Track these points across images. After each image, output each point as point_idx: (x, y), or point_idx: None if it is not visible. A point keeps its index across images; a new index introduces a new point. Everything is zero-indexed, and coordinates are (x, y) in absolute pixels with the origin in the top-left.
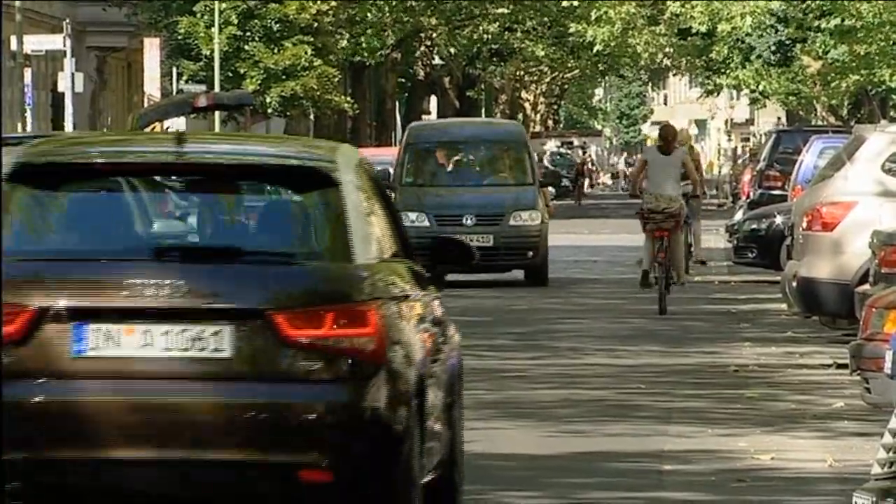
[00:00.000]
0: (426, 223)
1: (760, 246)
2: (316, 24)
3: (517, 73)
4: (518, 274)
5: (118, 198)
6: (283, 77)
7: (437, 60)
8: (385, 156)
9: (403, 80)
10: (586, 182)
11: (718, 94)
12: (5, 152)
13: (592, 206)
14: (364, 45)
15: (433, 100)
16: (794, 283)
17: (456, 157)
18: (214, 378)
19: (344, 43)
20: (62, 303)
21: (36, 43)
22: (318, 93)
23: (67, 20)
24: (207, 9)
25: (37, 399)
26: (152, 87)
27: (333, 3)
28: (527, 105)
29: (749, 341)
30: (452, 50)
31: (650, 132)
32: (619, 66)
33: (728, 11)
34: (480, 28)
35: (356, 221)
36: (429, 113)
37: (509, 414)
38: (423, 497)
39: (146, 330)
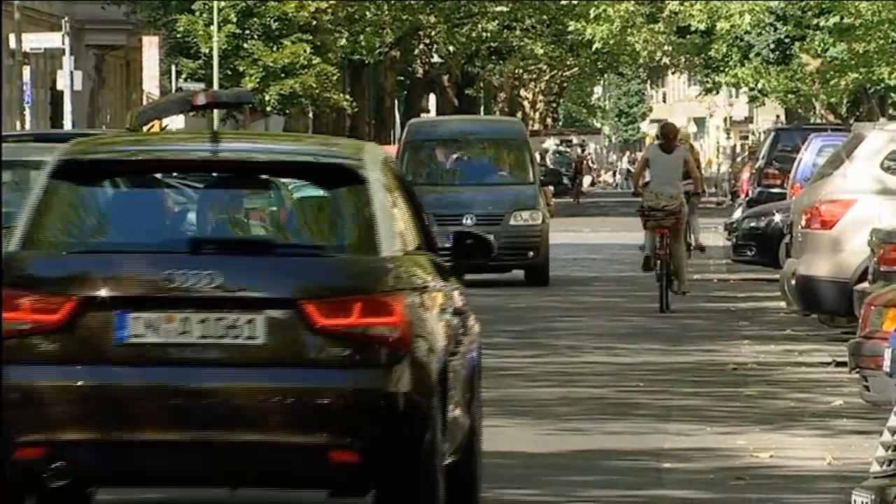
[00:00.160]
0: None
1: (759, 244)
2: (315, 23)
3: (516, 72)
4: (518, 274)
5: (157, 193)
6: (282, 75)
7: (435, 58)
8: None
9: (402, 78)
10: (588, 180)
11: (717, 92)
12: (5, 150)
13: (591, 204)
14: (363, 43)
15: (432, 98)
16: (793, 281)
17: (456, 155)
18: (248, 364)
19: (343, 41)
20: (105, 293)
21: (35, 41)
22: (317, 91)
23: (66, 18)
24: (206, 7)
25: (80, 383)
26: (151, 85)
27: (332, 1)
28: (526, 103)
29: (748, 339)
30: (451, 48)
31: (649, 130)
32: (617, 64)
33: (727, 9)
34: (479, 26)
35: (382, 216)
36: (428, 111)
37: (507, 412)
38: (445, 478)
39: (184, 318)
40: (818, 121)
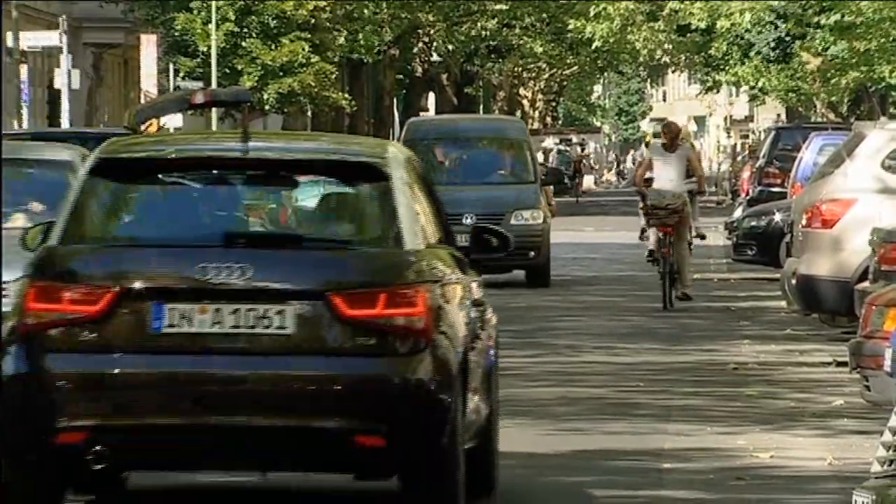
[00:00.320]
0: None
1: (760, 243)
2: (313, 21)
3: (515, 70)
4: (518, 274)
5: (191, 190)
6: (281, 74)
7: (434, 57)
8: None
9: (401, 76)
10: (591, 180)
11: (718, 90)
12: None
13: (591, 203)
14: (362, 41)
15: (431, 97)
16: (794, 281)
17: (455, 154)
18: (278, 353)
19: (341, 39)
20: (142, 285)
21: (32, 39)
22: (316, 89)
23: (63, 16)
24: (204, 5)
25: (118, 370)
26: (149, 83)
27: (331, 0)
28: (525, 102)
29: (748, 339)
30: (450, 46)
31: (649, 129)
32: (617, 63)
33: (727, 7)
34: (478, 24)
35: (405, 211)
36: (427, 110)
37: (507, 412)
38: (465, 463)
39: (217, 309)
40: (819, 119)
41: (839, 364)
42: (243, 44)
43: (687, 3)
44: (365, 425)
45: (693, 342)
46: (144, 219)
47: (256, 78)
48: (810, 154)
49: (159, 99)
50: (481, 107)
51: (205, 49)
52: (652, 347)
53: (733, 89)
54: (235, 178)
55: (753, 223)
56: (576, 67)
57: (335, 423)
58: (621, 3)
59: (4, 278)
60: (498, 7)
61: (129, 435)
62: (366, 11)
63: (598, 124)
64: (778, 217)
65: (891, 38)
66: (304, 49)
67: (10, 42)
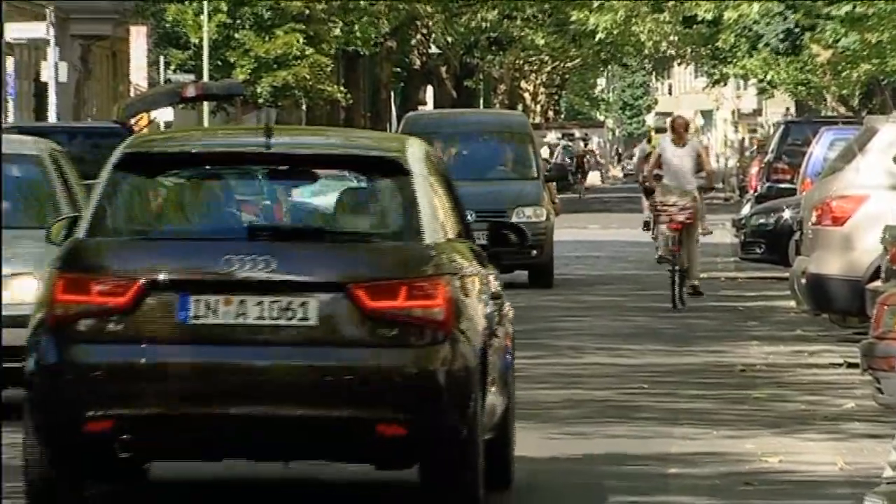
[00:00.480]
0: None
1: (768, 241)
2: (308, 12)
3: (516, 63)
4: (519, 274)
5: (215, 184)
6: (275, 66)
7: (433, 49)
8: None
9: (399, 69)
10: (596, 176)
11: (725, 83)
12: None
13: (595, 200)
14: (358, 33)
15: (429, 90)
16: (804, 280)
17: (455, 150)
18: (301, 343)
19: (337, 31)
20: (168, 277)
21: (18, 31)
22: (311, 83)
23: (51, 7)
24: None
25: (144, 361)
26: (139, 76)
27: None
28: (526, 95)
29: (757, 340)
30: (449, 38)
31: (654, 123)
32: (622, 55)
33: None
34: (478, 15)
35: (425, 205)
36: (425, 103)
37: None
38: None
39: (242, 300)
40: (829, 113)
41: (850, 366)
42: (236, 35)
43: None
44: (385, 415)
45: (699, 343)
46: (169, 212)
47: (249, 71)
48: (820, 149)
49: (149, 92)
50: (481, 100)
51: (196, 41)
52: (657, 348)
53: (741, 82)
54: (259, 172)
55: (762, 220)
56: (579, 60)
57: (357, 413)
58: None
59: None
60: None
61: (154, 424)
62: (362, 2)
63: (602, 119)
64: (787, 214)
65: None
66: (298, 41)
67: None
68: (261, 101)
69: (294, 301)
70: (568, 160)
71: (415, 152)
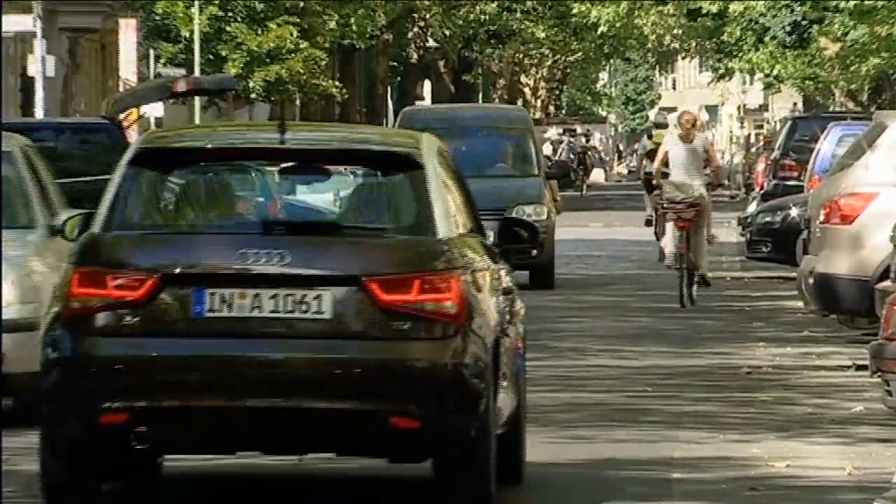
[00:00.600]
0: None
1: (775, 240)
2: (302, 5)
3: (516, 57)
4: (519, 275)
5: (230, 179)
6: (268, 60)
7: (431, 43)
8: None
9: (395, 63)
10: (600, 174)
11: (730, 78)
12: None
13: (597, 197)
14: (353, 26)
15: (427, 85)
16: (811, 280)
17: (453, 146)
18: (315, 336)
19: (332, 24)
20: (184, 270)
21: (4, 24)
22: (305, 77)
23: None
24: None
25: (160, 354)
26: (128, 70)
27: None
28: (526, 90)
29: (763, 341)
30: (447, 31)
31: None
32: (624, 49)
33: None
34: (477, 8)
35: (438, 200)
36: (422, 98)
37: None
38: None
39: (256, 294)
40: (838, 108)
41: (859, 368)
42: (228, 28)
43: None
44: (399, 407)
45: (704, 344)
46: (185, 207)
47: (242, 65)
48: (828, 145)
49: (139, 87)
50: (480, 95)
51: (187, 34)
52: (661, 350)
53: (747, 77)
54: (274, 167)
55: (768, 219)
56: (580, 54)
57: (370, 406)
58: None
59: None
60: None
61: (170, 416)
62: None
63: (604, 114)
64: (794, 212)
65: None
66: (292, 34)
67: None
68: (253, 96)
69: (308, 294)
70: (571, 157)
71: (428, 148)
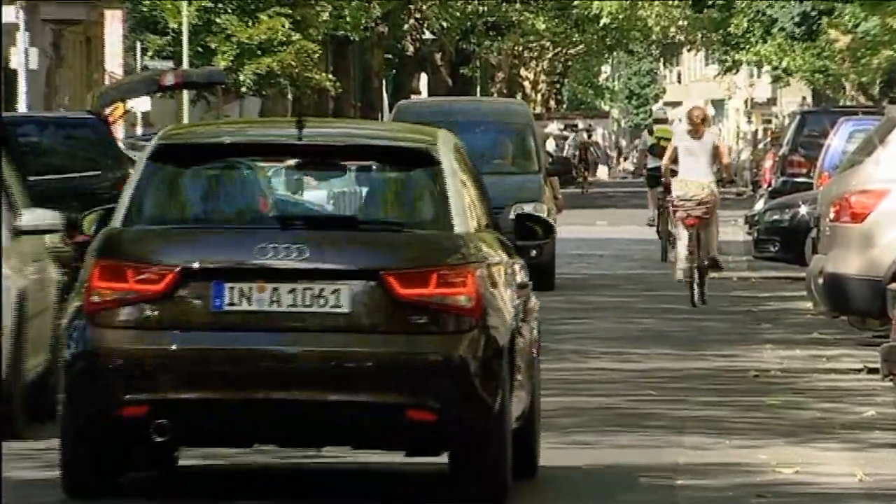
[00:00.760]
0: None
1: (783, 239)
2: None
3: (516, 49)
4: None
5: (248, 174)
6: (259, 53)
7: (427, 35)
8: None
9: (391, 56)
10: (604, 170)
11: (737, 71)
12: None
13: (599, 195)
14: (347, 17)
15: (423, 78)
16: (821, 280)
17: None
18: (333, 330)
19: (325, 15)
20: (204, 264)
21: None
22: (297, 70)
23: None
24: None
25: (179, 347)
26: (114, 63)
27: None
28: (526, 84)
29: (771, 343)
30: (444, 23)
31: (655, 114)
32: (628, 41)
33: None
34: None
35: (454, 196)
36: (419, 92)
37: None
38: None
39: (275, 288)
40: (848, 103)
41: (870, 371)
42: (217, 20)
43: None
44: (416, 400)
45: (710, 347)
46: (204, 202)
47: (232, 57)
48: (839, 141)
49: (125, 80)
50: (478, 89)
51: (175, 26)
52: (665, 353)
53: (754, 70)
54: (292, 162)
55: (776, 217)
56: (582, 46)
57: (388, 399)
58: None
59: None
60: None
61: (189, 409)
62: None
63: (607, 108)
64: (803, 210)
65: None
66: (284, 26)
67: None
68: (244, 89)
69: (326, 288)
70: (574, 153)
71: (444, 143)
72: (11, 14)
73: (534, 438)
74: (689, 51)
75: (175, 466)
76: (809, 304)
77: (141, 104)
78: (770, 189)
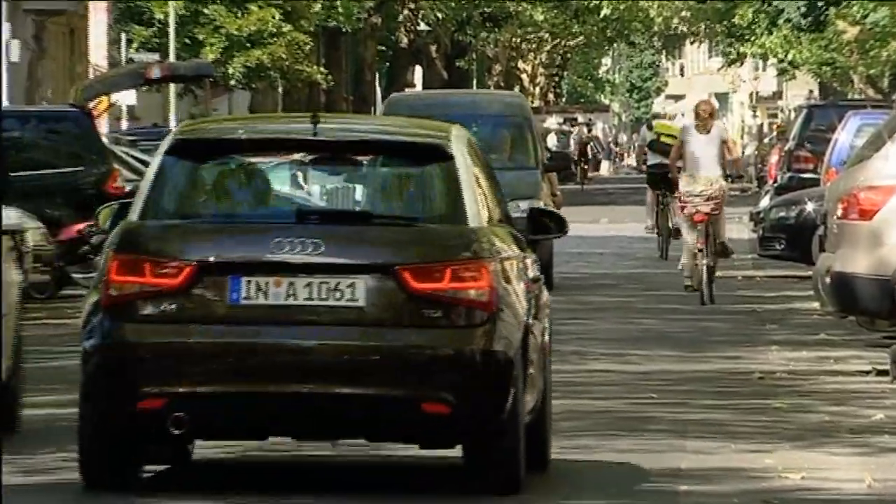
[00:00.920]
0: None
1: (789, 236)
2: None
3: (513, 41)
4: None
5: (264, 169)
6: (248, 45)
7: (422, 26)
8: None
9: (384, 48)
10: (607, 166)
11: (742, 63)
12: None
13: (599, 191)
14: (340, 8)
15: (418, 70)
16: (828, 279)
17: None
18: (349, 323)
19: (317, 6)
20: (220, 258)
21: None
22: (288, 63)
23: None
24: None
25: (197, 340)
26: (98, 55)
27: None
28: (524, 77)
29: (776, 344)
30: (439, 14)
31: (664, 107)
32: (629, 33)
33: None
34: None
35: (468, 190)
36: (413, 85)
37: None
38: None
39: (291, 282)
40: (856, 96)
41: (879, 373)
42: (205, 11)
43: None
44: (430, 393)
45: (714, 348)
46: (220, 196)
47: (220, 50)
48: (846, 135)
49: (110, 73)
50: (474, 82)
51: (161, 17)
52: (668, 354)
53: (760, 62)
54: (307, 157)
55: (782, 214)
56: (581, 38)
57: (402, 392)
58: None
59: None
60: None
61: (206, 402)
62: None
63: (607, 102)
64: (810, 207)
65: None
66: (274, 17)
67: None
68: (232, 83)
69: (342, 282)
70: (573, 148)
71: (458, 138)
72: None
73: (546, 431)
74: (692, 43)
75: (189, 460)
76: (816, 304)
77: (126, 98)
78: (776, 185)
